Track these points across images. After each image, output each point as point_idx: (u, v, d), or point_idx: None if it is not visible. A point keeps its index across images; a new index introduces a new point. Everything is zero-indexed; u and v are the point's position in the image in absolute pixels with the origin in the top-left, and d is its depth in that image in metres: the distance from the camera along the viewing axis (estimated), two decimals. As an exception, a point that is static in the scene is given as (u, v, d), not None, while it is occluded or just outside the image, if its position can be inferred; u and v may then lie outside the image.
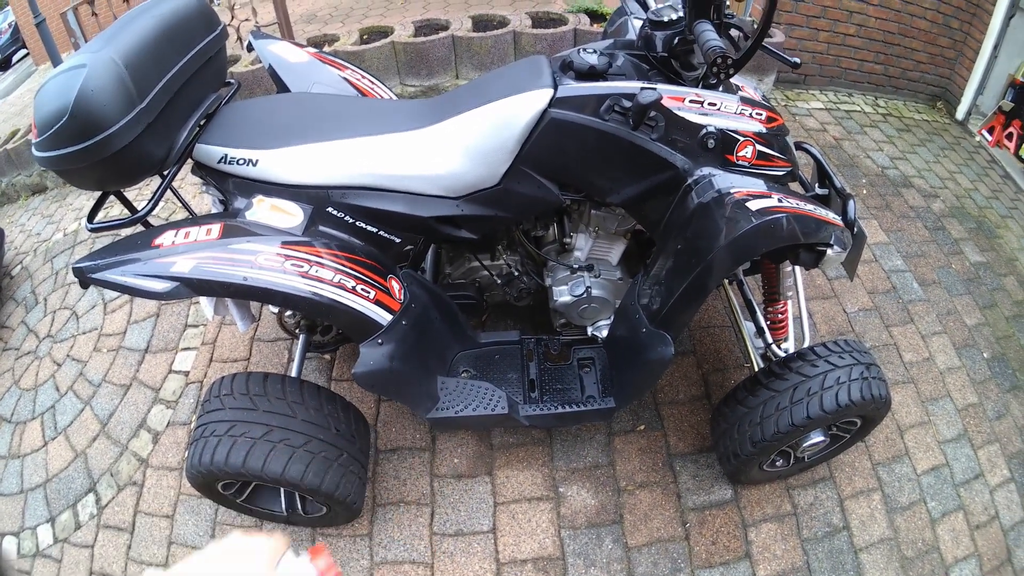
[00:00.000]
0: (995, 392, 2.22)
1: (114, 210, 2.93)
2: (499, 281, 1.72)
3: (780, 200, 1.27)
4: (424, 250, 1.61)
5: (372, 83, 1.88)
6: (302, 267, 1.23)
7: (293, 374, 1.56)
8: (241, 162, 1.35)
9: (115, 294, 2.61)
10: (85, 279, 1.16)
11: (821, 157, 1.59)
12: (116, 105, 1.10)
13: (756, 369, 1.68)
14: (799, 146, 1.64)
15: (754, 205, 1.24)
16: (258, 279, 1.18)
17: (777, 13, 3.44)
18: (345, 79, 1.79)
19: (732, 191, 1.29)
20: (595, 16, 3.49)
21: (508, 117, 1.32)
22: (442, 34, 3.25)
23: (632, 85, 1.30)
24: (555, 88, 1.31)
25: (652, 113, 1.29)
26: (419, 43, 3.21)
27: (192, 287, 1.15)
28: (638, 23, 1.63)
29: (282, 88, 1.71)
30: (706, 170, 1.35)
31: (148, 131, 1.18)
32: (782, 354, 1.68)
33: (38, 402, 2.37)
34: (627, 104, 1.28)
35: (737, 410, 1.54)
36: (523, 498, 1.77)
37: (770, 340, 1.69)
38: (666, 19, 1.34)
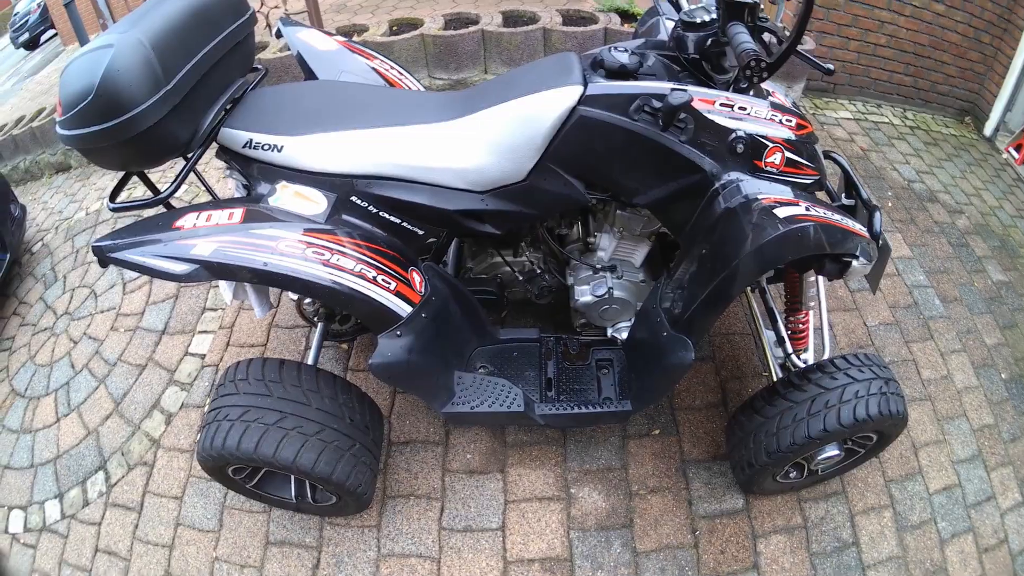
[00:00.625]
0: (1011, 414, 2.19)
1: (137, 191, 2.95)
2: (521, 278, 1.71)
3: (807, 208, 1.26)
4: (447, 244, 1.61)
5: (401, 74, 1.88)
6: (323, 255, 1.23)
7: (310, 362, 1.56)
8: (266, 147, 1.35)
9: (134, 274, 2.63)
10: (104, 258, 1.16)
11: (849, 167, 1.57)
12: (142, 86, 1.10)
13: (774, 379, 1.66)
14: (827, 155, 1.62)
15: (781, 212, 1.23)
16: (278, 265, 1.17)
17: (809, 21, 3.40)
18: (374, 69, 1.79)
19: (760, 197, 1.27)
20: (626, 16, 3.47)
21: (537, 113, 1.31)
22: (472, 28, 3.24)
23: (662, 86, 1.29)
24: (585, 85, 1.30)
25: (682, 115, 1.28)
26: (448, 36, 3.20)
27: (212, 270, 1.16)
28: (670, 24, 1.61)
29: (310, 76, 1.71)
30: (734, 175, 1.33)
31: (173, 113, 1.18)
32: (801, 365, 1.66)
33: (53, 378, 2.39)
34: (657, 105, 1.27)
35: (754, 419, 1.52)
36: (534, 497, 1.77)
37: (790, 350, 1.68)
38: (699, 20, 1.33)
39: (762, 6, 1.27)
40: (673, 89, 1.24)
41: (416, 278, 1.40)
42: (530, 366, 1.64)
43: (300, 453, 1.35)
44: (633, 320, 1.65)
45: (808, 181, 1.42)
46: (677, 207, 1.42)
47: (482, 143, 1.36)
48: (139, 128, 1.12)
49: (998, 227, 2.98)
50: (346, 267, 1.24)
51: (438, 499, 1.77)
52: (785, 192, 1.33)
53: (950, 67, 3.62)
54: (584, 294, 1.64)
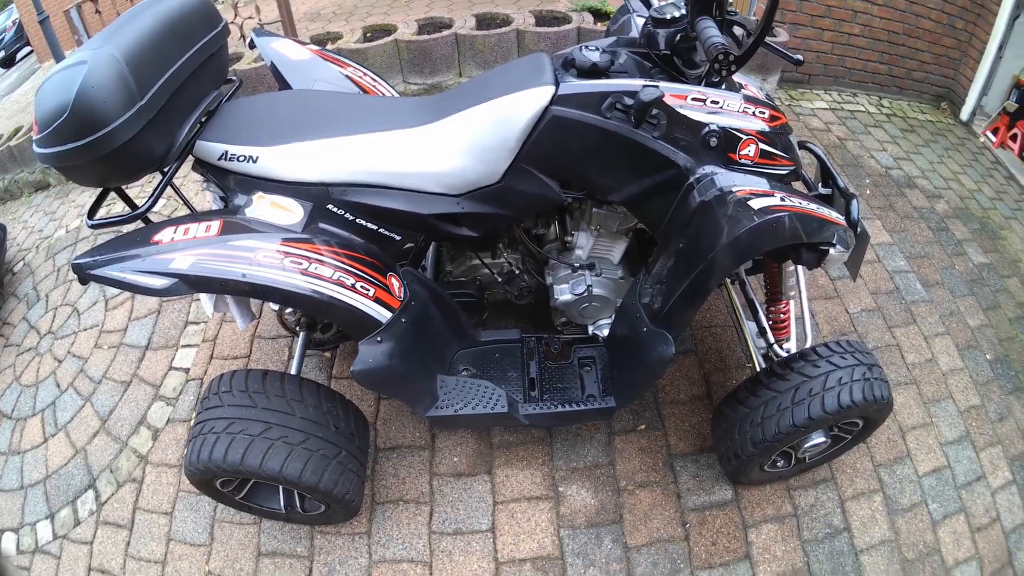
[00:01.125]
0: (997, 394, 2.21)
1: (116, 207, 2.93)
2: (500, 279, 1.72)
3: (783, 199, 1.27)
4: (425, 248, 1.61)
5: (374, 80, 1.88)
6: (301, 264, 1.23)
7: (293, 372, 1.55)
8: (241, 159, 1.35)
9: (116, 291, 2.61)
10: (84, 275, 1.15)
11: (824, 156, 1.58)
12: (116, 102, 1.10)
13: (758, 369, 1.67)
14: (803, 145, 1.63)
15: (756, 204, 1.23)
16: (257, 276, 1.17)
17: (781, 12, 3.43)
18: (347, 76, 1.79)
19: (734, 189, 1.28)
20: (599, 14, 3.48)
21: (509, 114, 1.32)
22: (445, 32, 3.25)
23: (634, 83, 1.29)
24: (556, 85, 1.31)
25: (654, 111, 1.28)
26: (422, 41, 3.21)
27: (191, 283, 1.15)
28: (641, 21, 1.62)
29: (284, 85, 1.71)
30: (708, 168, 1.34)
31: (148, 128, 1.18)
32: (784, 354, 1.67)
33: (39, 398, 2.37)
34: (629, 102, 1.27)
35: (738, 410, 1.53)
36: (522, 497, 1.76)
37: (772, 340, 1.68)
38: (668, 16, 1.34)
39: (731, 0, 1.29)
40: (644, 86, 1.25)
41: (395, 283, 1.40)
42: (512, 367, 1.64)
43: (286, 463, 1.35)
44: (613, 317, 1.66)
45: (784, 172, 1.43)
46: (653, 203, 1.43)
47: (456, 146, 1.36)
48: (115, 144, 1.12)
49: (977, 210, 3.01)
50: (324, 275, 1.24)
51: (427, 503, 1.77)
52: (760, 183, 1.34)
53: (925, 54, 3.65)
54: (563, 293, 1.65)
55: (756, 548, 1.70)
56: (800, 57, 1.24)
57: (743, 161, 1.37)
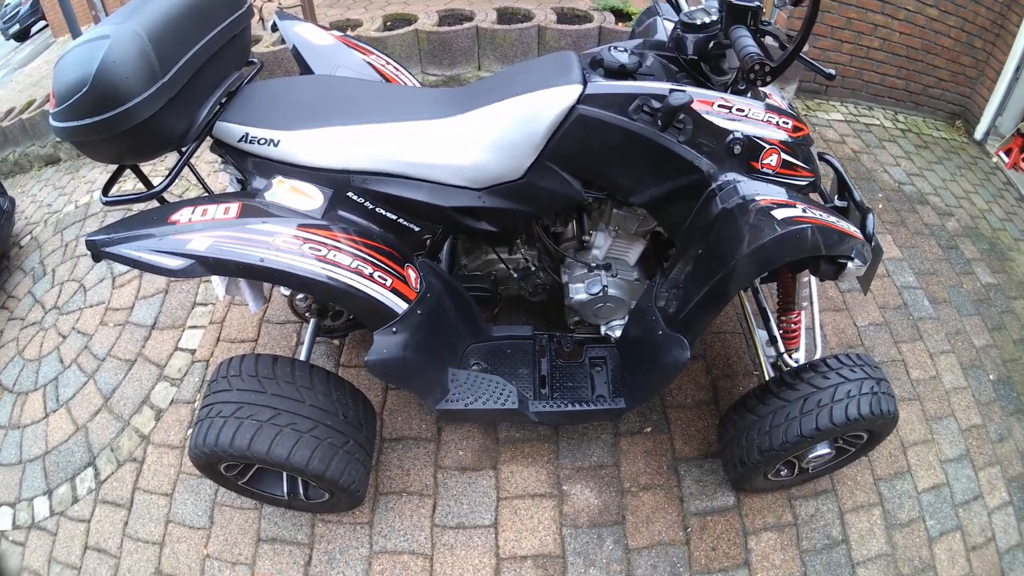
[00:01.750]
0: (999, 414, 2.21)
1: (128, 184, 2.92)
2: (515, 275, 1.71)
3: (804, 210, 1.27)
4: (443, 240, 1.60)
5: (397, 70, 1.87)
6: (320, 251, 1.22)
7: (302, 358, 1.55)
8: (262, 142, 1.34)
9: (124, 268, 2.61)
10: (98, 252, 1.15)
11: (842, 169, 1.58)
12: (138, 78, 1.09)
13: (766, 377, 1.67)
14: (821, 157, 1.63)
15: (778, 214, 1.24)
16: (275, 261, 1.17)
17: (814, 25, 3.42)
18: (370, 64, 1.78)
19: (757, 198, 1.28)
20: (620, 15, 3.47)
21: (535, 111, 1.31)
22: (466, 25, 3.23)
23: (661, 86, 1.29)
24: (584, 84, 1.30)
25: (681, 116, 1.28)
26: (443, 33, 3.20)
27: (207, 266, 1.15)
28: (668, 24, 1.62)
29: (306, 70, 1.70)
30: (731, 176, 1.34)
31: (169, 106, 1.17)
32: (793, 364, 1.67)
33: (41, 373, 2.37)
34: (656, 105, 1.27)
35: (746, 417, 1.53)
36: (526, 494, 1.77)
37: (782, 349, 1.69)
38: (699, 22, 1.33)
39: (764, 9, 1.28)
40: (672, 90, 1.24)
41: (412, 275, 1.39)
42: (524, 363, 1.64)
43: (294, 450, 1.35)
44: (627, 318, 1.66)
45: (803, 183, 1.43)
46: (673, 207, 1.43)
47: (480, 140, 1.36)
48: (134, 121, 1.11)
49: (987, 230, 3.01)
50: (342, 263, 1.24)
51: (430, 496, 1.77)
52: (781, 194, 1.34)
53: (942, 71, 3.65)
54: (578, 292, 1.65)
55: (755, 555, 1.71)
56: (832, 71, 1.23)
57: (764, 170, 1.37)
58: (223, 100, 1.39)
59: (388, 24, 3.43)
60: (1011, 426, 2.20)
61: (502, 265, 1.72)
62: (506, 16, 3.42)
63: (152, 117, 1.13)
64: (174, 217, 1.20)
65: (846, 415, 1.39)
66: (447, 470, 1.81)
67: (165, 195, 1.33)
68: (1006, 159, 3.50)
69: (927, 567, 1.79)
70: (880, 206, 2.92)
